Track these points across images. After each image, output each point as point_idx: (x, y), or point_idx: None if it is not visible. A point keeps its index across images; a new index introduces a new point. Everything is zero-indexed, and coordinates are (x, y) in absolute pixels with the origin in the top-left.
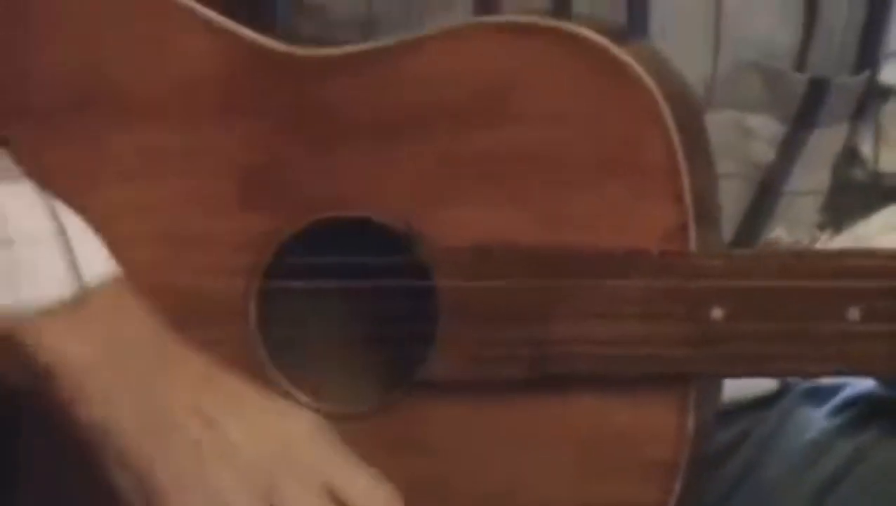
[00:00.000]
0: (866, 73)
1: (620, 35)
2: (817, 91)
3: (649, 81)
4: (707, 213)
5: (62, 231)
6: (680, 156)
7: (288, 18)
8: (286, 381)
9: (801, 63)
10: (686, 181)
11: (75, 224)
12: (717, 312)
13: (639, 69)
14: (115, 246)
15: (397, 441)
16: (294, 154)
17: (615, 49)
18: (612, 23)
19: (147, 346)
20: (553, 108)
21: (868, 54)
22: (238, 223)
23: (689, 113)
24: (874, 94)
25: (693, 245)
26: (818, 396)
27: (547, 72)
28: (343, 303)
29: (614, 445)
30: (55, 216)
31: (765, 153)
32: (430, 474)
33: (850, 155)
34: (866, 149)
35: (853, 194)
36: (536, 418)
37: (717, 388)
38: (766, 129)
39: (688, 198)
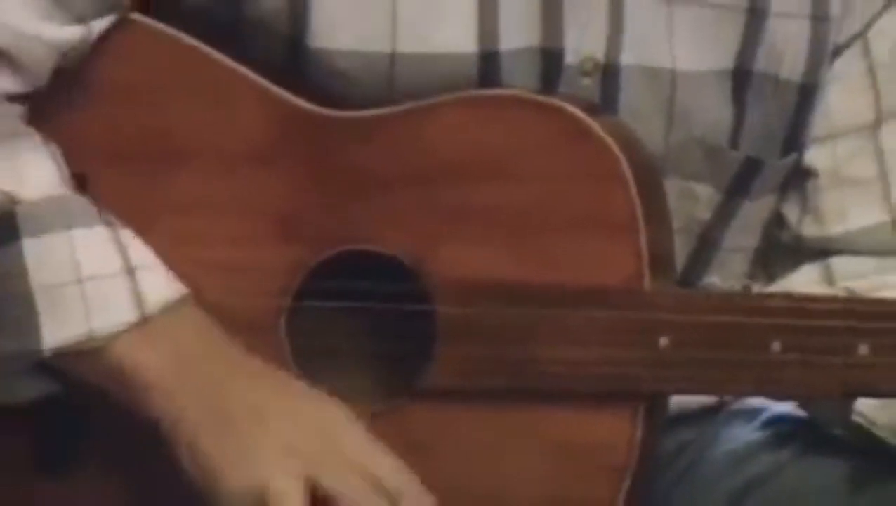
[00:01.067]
0: (794, 156)
1: (594, 110)
2: (751, 168)
3: (616, 149)
4: (661, 259)
5: (129, 268)
6: (639, 213)
7: (319, 79)
8: (308, 380)
9: (735, 142)
10: (643, 234)
11: (141, 257)
12: (664, 341)
13: (608, 139)
14: (175, 269)
15: (400, 442)
16: (322, 198)
17: (589, 121)
18: (588, 101)
19: (208, 353)
20: (537, 169)
21: (795, 140)
22: (274, 254)
23: (649, 175)
24: (800, 173)
25: (647, 285)
26: (746, 413)
27: (533, 138)
28: (357, 321)
29: (577, 449)
30: (124, 254)
31: (704, 215)
32: (429, 471)
33: (777, 220)
34: (791, 216)
35: (779, 253)
36: (516, 424)
37: (664, 403)
38: (705, 195)
39: (644, 247)
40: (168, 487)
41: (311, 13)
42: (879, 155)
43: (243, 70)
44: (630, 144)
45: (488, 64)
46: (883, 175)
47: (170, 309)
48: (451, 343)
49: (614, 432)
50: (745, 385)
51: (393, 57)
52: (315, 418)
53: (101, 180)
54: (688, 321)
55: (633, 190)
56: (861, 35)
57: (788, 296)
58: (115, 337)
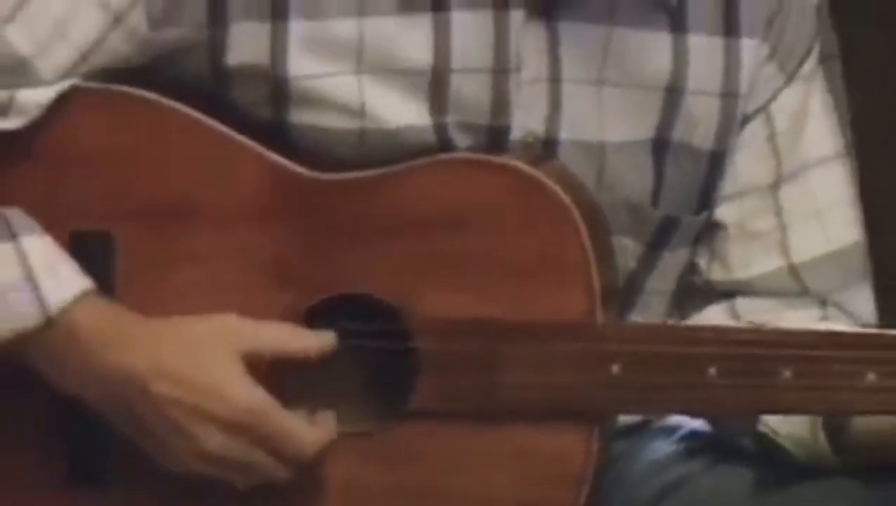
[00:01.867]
0: (706, 213)
1: (538, 161)
2: (669, 224)
3: (566, 198)
4: (610, 294)
5: (30, 277)
6: (590, 255)
7: (300, 141)
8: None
9: (656, 202)
10: (595, 273)
11: (40, 262)
12: (615, 368)
13: (557, 189)
14: (190, 310)
15: (391, 455)
16: (312, 250)
17: (539, 174)
18: (532, 154)
19: (104, 337)
20: (498, 220)
21: (707, 199)
22: (272, 299)
23: (595, 216)
24: (711, 226)
25: (599, 319)
26: (666, 429)
27: (492, 194)
28: (350, 355)
29: (542, 461)
30: (24, 263)
31: (629, 263)
32: (416, 480)
33: (690, 267)
34: (703, 263)
35: (691, 295)
36: (489, 441)
37: (614, 421)
38: (630, 247)
39: (596, 285)
40: (198, 495)
41: (292, 102)
42: (778, 211)
43: (233, 134)
44: (576, 189)
45: (442, 134)
46: (781, 228)
47: (69, 308)
48: (431, 373)
49: (574, 446)
50: (686, 405)
51: (365, 130)
52: (187, 376)
53: (123, 235)
54: (636, 350)
55: (584, 233)
56: (764, 108)
57: (722, 329)
58: (24, 337)
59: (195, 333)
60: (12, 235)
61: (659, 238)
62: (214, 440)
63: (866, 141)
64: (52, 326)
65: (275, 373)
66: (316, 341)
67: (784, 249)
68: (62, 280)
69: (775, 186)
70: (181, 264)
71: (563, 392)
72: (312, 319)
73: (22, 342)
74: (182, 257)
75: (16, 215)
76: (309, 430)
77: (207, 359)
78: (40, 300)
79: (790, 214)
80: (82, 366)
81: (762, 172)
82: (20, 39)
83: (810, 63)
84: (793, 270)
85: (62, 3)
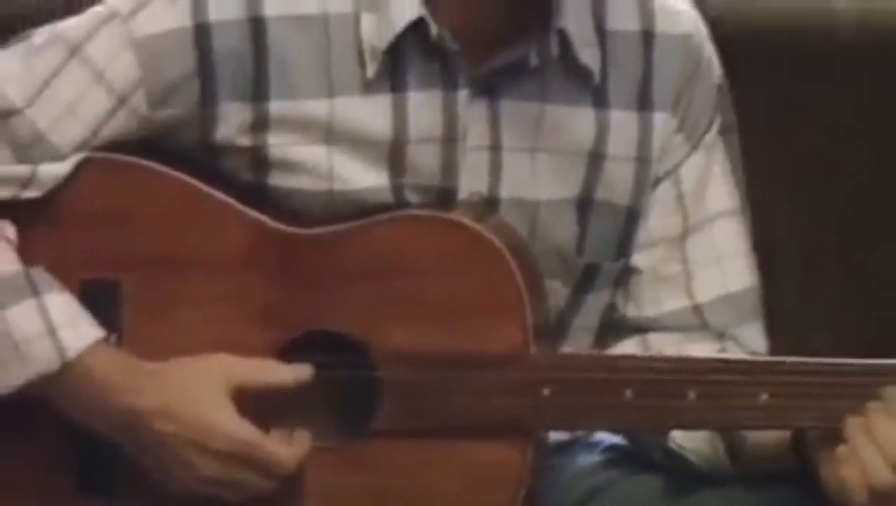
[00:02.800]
0: (623, 260)
1: (481, 216)
2: (592, 270)
3: (505, 250)
4: (541, 329)
5: (51, 329)
6: (524, 296)
7: (278, 199)
8: (289, 425)
9: (580, 251)
10: (528, 312)
11: (60, 316)
12: (546, 391)
13: (496, 241)
14: (187, 348)
15: (358, 466)
16: (292, 292)
17: (481, 229)
18: (477, 209)
19: (114, 381)
20: (448, 267)
21: (624, 248)
22: (257, 336)
23: (528, 262)
24: (627, 271)
25: (532, 350)
26: (591, 444)
27: (442, 244)
28: (324, 382)
29: (486, 470)
30: (46, 318)
31: (559, 303)
32: (379, 486)
33: (610, 306)
34: (620, 303)
35: (611, 329)
36: (441, 454)
37: (546, 436)
38: (559, 289)
39: (529, 322)
40: (195, 504)
41: (271, 168)
42: (684, 259)
43: (221, 195)
44: (513, 240)
45: (399, 194)
46: (687, 273)
47: (84, 354)
48: (392, 397)
49: (512, 457)
50: (606, 422)
51: (331, 192)
52: (178, 414)
53: (127, 283)
54: (563, 376)
55: (519, 278)
56: (673, 171)
57: (636, 358)
58: (44, 380)
59: (190, 375)
60: (36, 292)
61: (583, 282)
62: (210, 467)
63: (765, 196)
64: (69, 370)
65: (259, 400)
66: (293, 373)
67: (689, 291)
68: (78, 331)
69: (682, 237)
70: (178, 308)
71: (502, 412)
72: (292, 352)
73: (43, 384)
74: (179, 302)
75: (38, 273)
76: (287, 450)
77: (201, 398)
78: (60, 348)
79: (694, 262)
80: (95, 404)
81: (671, 226)
82: (40, 120)
83: (712, 134)
84: (696, 308)
85: (74, 88)
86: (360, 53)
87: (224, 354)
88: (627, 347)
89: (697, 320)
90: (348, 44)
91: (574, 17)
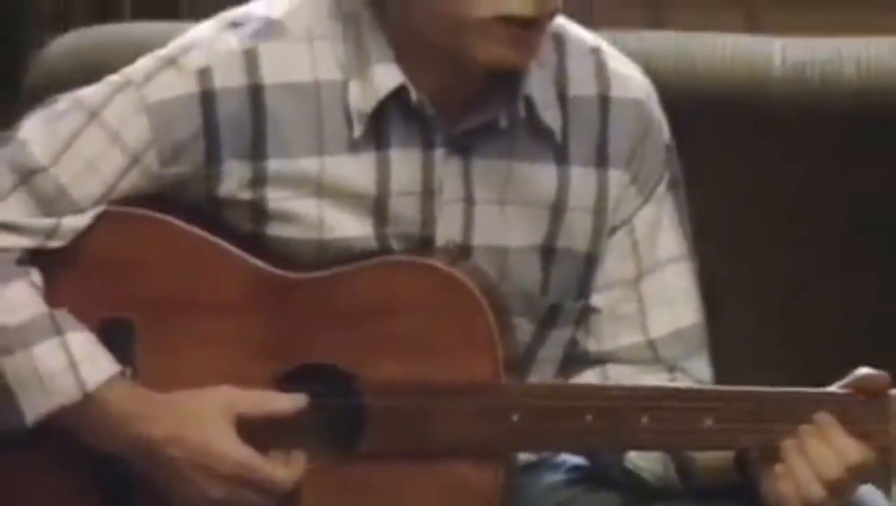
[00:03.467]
0: (583, 300)
1: (456, 260)
2: (555, 310)
3: (477, 293)
4: (511, 362)
5: (73, 364)
6: (495, 334)
7: (274, 246)
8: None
9: (544, 292)
10: (499, 347)
11: (81, 352)
12: (515, 417)
13: (470, 284)
14: (194, 379)
15: (347, 485)
16: (287, 330)
17: (457, 274)
18: (453, 254)
19: (130, 410)
20: (426, 308)
21: (584, 290)
22: (256, 369)
23: (499, 302)
24: (587, 310)
25: (503, 380)
26: (556, 464)
27: (421, 287)
28: (317, 409)
29: (462, 488)
30: (68, 353)
31: (525, 339)
32: (366, 503)
33: (572, 341)
34: (581, 338)
35: (573, 362)
36: (420, 474)
37: (516, 457)
38: (525, 326)
39: (500, 356)
40: None
41: (268, 219)
42: (639, 299)
43: (223, 244)
44: (484, 282)
45: (383, 242)
46: (641, 311)
47: (102, 387)
48: (377, 423)
49: (486, 477)
50: (570, 444)
51: (322, 241)
52: (188, 441)
53: (140, 322)
54: (531, 403)
55: (490, 316)
56: (627, 221)
57: (596, 387)
58: (67, 410)
59: (197, 405)
60: (59, 332)
61: (547, 320)
62: (215, 488)
63: (710, 242)
64: (89, 401)
65: (259, 427)
66: (289, 402)
67: (643, 327)
68: (97, 366)
69: (636, 280)
70: (186, 344)
71: (477, 436)
72: (287, 383)
73: (65, 414)
74: (186, 339)
75: (60, 314)
76: (284, 471)
77: (207, 426)
78: (80, 382)
79: (647, 302)
80: (112, 433)
81: (626, 269)
82: (63, 177)
83: (661, 188)
84: (649, 343)
85: (93, 148)
86: (348, 116)
87: (227, 387)
88: (588, 377)
89: (651, 354)
90: (337, 108)
91: (538, 84)
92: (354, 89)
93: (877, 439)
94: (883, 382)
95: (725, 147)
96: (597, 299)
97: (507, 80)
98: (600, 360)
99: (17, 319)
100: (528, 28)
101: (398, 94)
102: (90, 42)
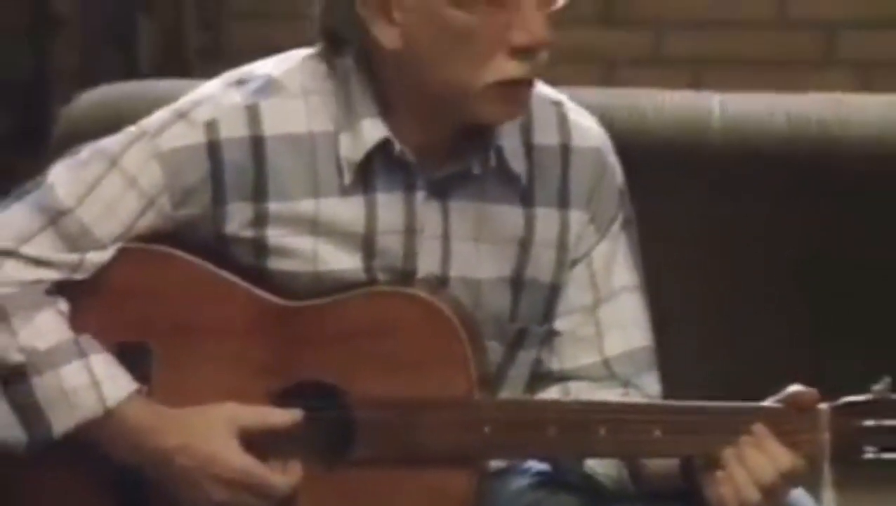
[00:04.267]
0: (547, 325)
1: (435, 289)
2: (522, 333)
3: (454, 318)
4: (483, 379)
5: (95, 382)
6: (469, 354)
7: (274, 278)
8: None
9: (513, 318)
10: (472, 366)
11: (102, 372)
12: (487, 429)
13: (447, 310)
14: (202, 395)
15: (339, 489)
16: (285, 351)
17: (434, 300)
18: (431, 283)
19: (146, 425)
20: (408, 330)
21: (548, 315)
22: (257, 385)
23: (472, 326)
24: (551, 333)
25: (476, 396)
26: (523, 470)
27: (405, 313)
28: (311, 421)
29: (441, 491)
30: (91, 373)
31: (496, 359)
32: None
33: (538, 361)
34: (546, 358)
35: (538, 379)
36: (405, 479)
37: (487, 464)
38: (496, 348)
39: (473, 374)
40: None
41: (269, 254)
42: (597, 324)
43: (229, 275)
44: (459, 309)
45: (370, 274)
46: (598, 334)
47: (121, 403)
48: (366, 434)
49: (461, 480)
50: (535, 453)
51: (317, 273)
52: (196, 451)
53: (155, 345)
54: (501, 417)
55: (464, 339)
56: (586, 255)
57: (559, 402)
58: (90, 423)
59: (205, 419)
60: (83, 354)
61: (515, 342)
62: (220, 493)
63: (659, 273)
64: (109, 416)
65: (260, 438)
66: (287, 417)
67: (600, 348)
68: (117, 384)
69: (594, 306)
70: (194, 364)
71: (453, 446)
72: (284, 398)
73: (87, 428)
74: (195, 359)
75: (84, 339)
76: (282, 478)
77: (213, 438)
78: (102, 398)
79: (603, 326)
80: (129, 444)
81: (585, 298)
82: (86, 217)
83: (616, 226)
84: (605, 362)
85: (113, 192)
86: (339, 164)
87: (231, 403)
88: (552, 393)
89: (606, 372)
90: (330, 156)
91: (507, 136)
92: (345, 140)
93: (806, 448)
94: (812, 397)
95: (672, 189)
96: (559, 324)
97: (481, 133)
98: (563, 377)
99: (46, 343)
100: (522, 86)
101: (383, 145)
102: (111, 98)
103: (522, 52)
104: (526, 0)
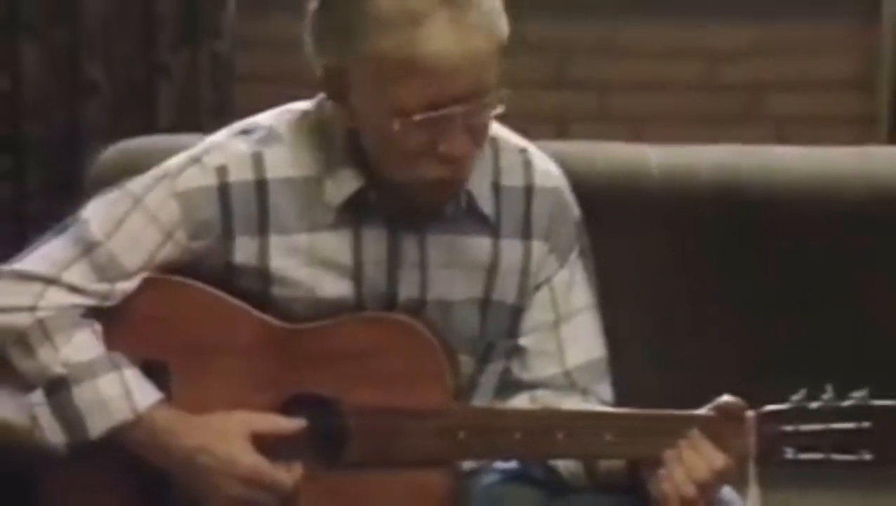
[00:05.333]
0: (513, 340)
1: (415, 313)
2: (490, 348)
3: (434, 340)
4: (458, 390)
5: (127, 392)
6: (445, 369)
7: (278, 303)
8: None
9: (483, 334)
10: (448, 379)
11: (132, 382)
12: (462, 434)
13: (426, 332)
14: (214, 407)
15: (334, 488)
16: (286, 368)
17: (415, 323)
18: (412, 309)
19: (170, 428)
20: (392, 349)
21: (513, 332)
22: (262, 397)
23: (447, 345)
24: (517, 348)
25: (451, 406)
26: (493, 469)
27: (389, 334)
28: (310, 428)
29: (422, 489)
30: (123, 382)
31: (467, 370)
32: (348, 501)
33: (506, 372)
34: (514, 368)
35: (507, 388)
36: (391, 479)
37: (461, 465)
38: (467, 361)
39: (449, 387)
40: None
41: (271, 283)
42: (559, 340)
43: (236, 301)
44: (435, 329)
45: (359, 300)
46: (560, 349)
47: (149, 409)
48: (357, 439)
49: (439, 480)
50: (504, 454)
51: (313, 299)
52: (213, 451)
53: (171, 364)
54: (475, 422)
55: (440, 354)
56: (547, 281)
57: (525, 410)
58: (123, 426)
59: (220, 425)
60: (117, 367)
61: (485, 355)
62: (234, 488)
63: (612, 296)
64: (139, 421)
65: (268, 442)
66: (293, 424)
67: (561, 361)
68: (146, 393)
69: (555, 325)
70: (207, 379)
71: (431, 449)
72: (286, 408)
73: (120, 431)
74: (207, 375)
75: (116, 355)
76: (287, 476)
77: (229, 440)
78: (133, 405)
79: (564, 341)
80: (156, 444)
81: (547, 317)
82: (114, 249)
83: (573, 255)
84: (566, 373)
85: (137, 227)
86: (328, 205)
87: (243, 411)
88: (521, 400)
89: (567, 382)
90: (319, 198)
91: (477, 181)
92: (329, 186)
93: (735, 450)
94: (740, 407)
95: (618, 225)
96: (525, 341)
97: None
98: (530, 386)
99: (85, 358)
100: (452, 182)
101: (361, 192)
102: (135, 151)
103: (447, 161)
104: (452, 120)
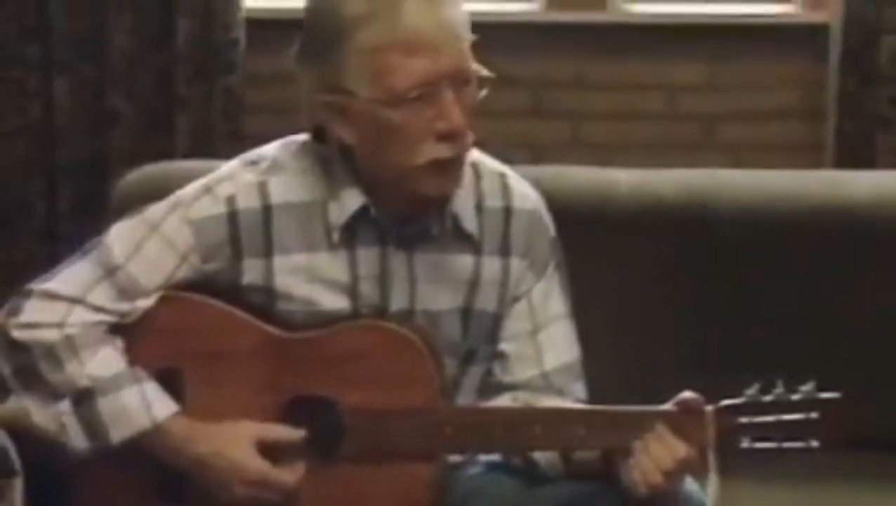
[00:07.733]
0: (493, 345)
1: (405, 321)
2: (472, 352)
3: (423, 347)
4: (444, 390)
5: (147, 403)
6: (433, 371)
7: (281, 315)
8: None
9: (465, 338)
10: (436, 381)
11: (151, 394)
12: (448, 430)
13: (417, 339)
14: (225, 409)
15: (332, 480)
16: (286, 372)
17: (406, 331)
18: (402, 318)
19: (186, 435)
20: (384, 353)
21: (494, 338)
22: (265, 399)
23: (434, 349)
24: (498, 353)
25: (439, 404)
26: (475, 461)
27: (381, 340)
28: (310, 428)
29: (409, 479)
30: (143, 394)
31: (451, 372)
32: (346, 493)
33: (489, 373)
34: (496, 371)
35: (489, 388)
36: (383, 470)
37: (446, 458)
38: (452, 365)
39: (436, 387)
40: None
41: (276, 299)
42: (537, 346)
43: (243, 314)
44: (423, 335)
45: (355, 311)
46: (538, 354)
47: (167, 420)
48: (352, 436)
49: (426, 471)
50: (485, 448)
51: (313, 311)
52: (224, 456)
53: (186, 370)
54: (460, 419)
55: (428, 358)
56: (526, 293)
57: (506, 408)
58: (142, 434)
59: (230, 432)
60: (138, 380)
61: (467, 359)
62: (243, 489)
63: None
64: (157, 429)
65: (272, 447)
66: (293, 434)
67: (539, 364)
68: (164, 405)
69: (534, 332)
70: (218, 383)
71: (421, 444)
72: (286, 409)
73: (140, 439)
74: (219, 380)
75: (137, 370)
76: (289, 476)
77: (238, 446)
78: (152, 416)
79: (542, 346)
80: (172, 451)
81: (526, 325)
82: (134, 271)
83: (550, 269)
84: (544, 375)
85: (155, 251)
86: (328, 227)
87: (250, 421)
88: (503, 400)
89: (545, 383)
90: (320, 221)
91: (462, 203)
92: (332, 208)
93: (696, 442)
94: (699, 402)
95: (591, 244)
96: (505, 346)
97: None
98: (511, 388)
99: (109, 372)
100: (450, 163)
101: (362, 210)
102: (154, 175)
103: (446, 137)
104: (444, 96)
